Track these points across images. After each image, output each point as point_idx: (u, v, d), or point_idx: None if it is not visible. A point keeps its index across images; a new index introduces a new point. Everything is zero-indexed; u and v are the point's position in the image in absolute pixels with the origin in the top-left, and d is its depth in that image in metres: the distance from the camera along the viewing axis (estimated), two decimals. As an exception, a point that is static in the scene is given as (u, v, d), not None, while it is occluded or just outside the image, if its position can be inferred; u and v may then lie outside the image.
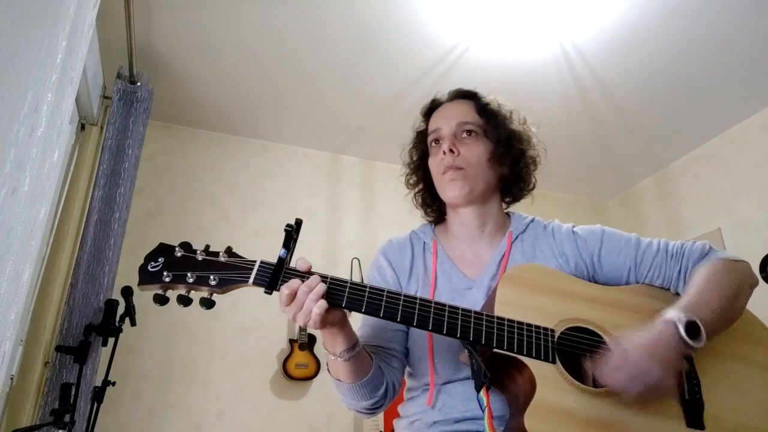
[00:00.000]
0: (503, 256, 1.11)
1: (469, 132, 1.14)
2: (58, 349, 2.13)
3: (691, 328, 0.89)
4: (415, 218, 1.31)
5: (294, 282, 0.88)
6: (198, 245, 0.94)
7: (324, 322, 0.90)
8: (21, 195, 1.02)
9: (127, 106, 2.66)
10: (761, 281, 2.91)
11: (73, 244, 2.65)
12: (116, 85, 2.66)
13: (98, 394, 2.14)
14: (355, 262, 3.37)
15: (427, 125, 1.23)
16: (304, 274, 0.90)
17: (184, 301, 0.89)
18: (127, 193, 2.51)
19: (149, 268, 0.91)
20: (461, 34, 2.64)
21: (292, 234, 0.90)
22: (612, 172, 3.87)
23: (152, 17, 2.56)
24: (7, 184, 0.96)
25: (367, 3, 2.46)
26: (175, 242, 0.94)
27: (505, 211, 1.22)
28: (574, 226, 1.16)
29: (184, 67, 2.89)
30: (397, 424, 1.13)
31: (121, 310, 2.28)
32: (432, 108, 1.23)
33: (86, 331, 2.15)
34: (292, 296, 0.87)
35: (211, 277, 0.89)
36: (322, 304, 0.86)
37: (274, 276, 0.88)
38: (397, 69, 2.88)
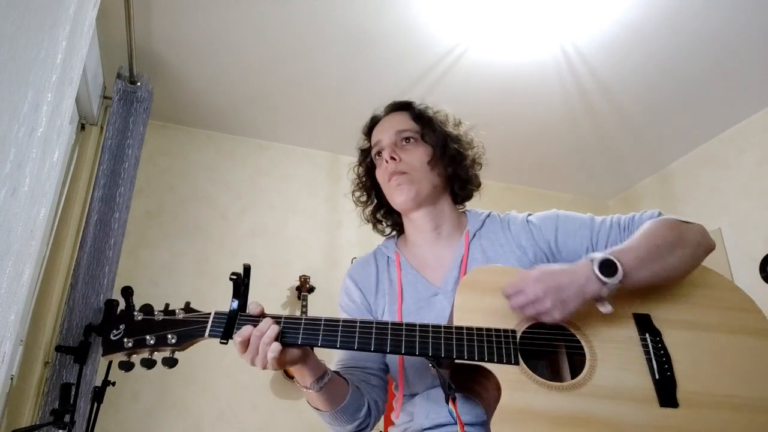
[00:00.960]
0: (463, 256, 1.11)
1: (408, 139, 1.18)
2: (58, 349, 2.12)
3: (607, 265, 0.88)
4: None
5: (245, 329, 0.88)
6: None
7: (282, 363, 0.90)
8: (21, 195, 1.02)
9: (127, 106, 2.66)
10: (761, 281, 2.93)
11: (73, 244, 2.65)
12: (116, 85, 2.66)
13: (98, 394, 2.14)
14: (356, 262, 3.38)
15: (370, 142, 1.25)
16: (258, 319, 0.90)
17: (147, 363, 0.92)
18: (127, 193, 2.51)
19: (111, 337, 0.93)
20: (460, 36, 2.64)
21: (240, 283, 0.91)
22: (612, 171, 3.87)
23: (152, 17, 2.56)
24: (7, 184, 0.96)
25: (366, 4, 2.46)
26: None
27: (461, 210, 1.24)
28: (529, 215, 1.17)
29: (184, 67, 2.89)
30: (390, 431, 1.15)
31: (121, 310, 2.28)
32: (372, 125, 1.27)
33: (86, 331, 2.15)
34: (246, 343, 0.88)
35: (170, 336, 0.91)
36: (276, 347, 0.86)
37: (227, 326, 0.89)
38: (396, 70, 2.88)
